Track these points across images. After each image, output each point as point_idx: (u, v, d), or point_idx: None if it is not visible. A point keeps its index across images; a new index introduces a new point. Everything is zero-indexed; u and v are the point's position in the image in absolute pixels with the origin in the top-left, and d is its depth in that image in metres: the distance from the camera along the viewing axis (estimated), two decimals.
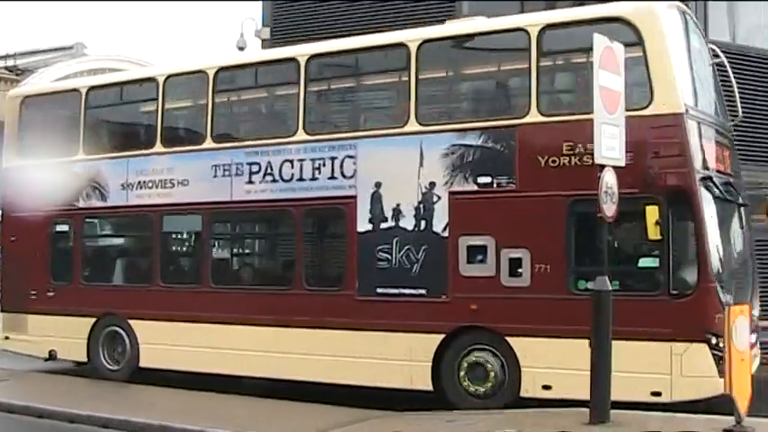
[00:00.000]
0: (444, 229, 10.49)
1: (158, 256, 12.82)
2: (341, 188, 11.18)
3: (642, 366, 9.23)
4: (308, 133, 11.47)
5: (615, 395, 8.68)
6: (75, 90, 13.84)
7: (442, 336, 10.43)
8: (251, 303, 11.79)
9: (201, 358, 12.03)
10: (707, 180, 9.54)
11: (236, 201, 12.02)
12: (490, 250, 10.19)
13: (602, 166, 8.64)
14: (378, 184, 10.91)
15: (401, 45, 10.90)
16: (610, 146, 8.70)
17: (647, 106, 9.50)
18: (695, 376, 9.13)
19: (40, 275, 13.84)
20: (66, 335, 13.45)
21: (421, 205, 10.62)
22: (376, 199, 10.94)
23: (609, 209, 8.69)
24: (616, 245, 9.83)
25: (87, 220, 13.68)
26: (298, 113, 11.57)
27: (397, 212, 10.77)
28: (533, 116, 10.03)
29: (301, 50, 11.77)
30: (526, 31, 10.13)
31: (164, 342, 12.47)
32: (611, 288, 8.64)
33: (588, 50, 9.01)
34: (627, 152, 9.04)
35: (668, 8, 10.02)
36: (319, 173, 11.34)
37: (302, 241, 11.65)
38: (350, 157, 11.13)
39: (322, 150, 11.34)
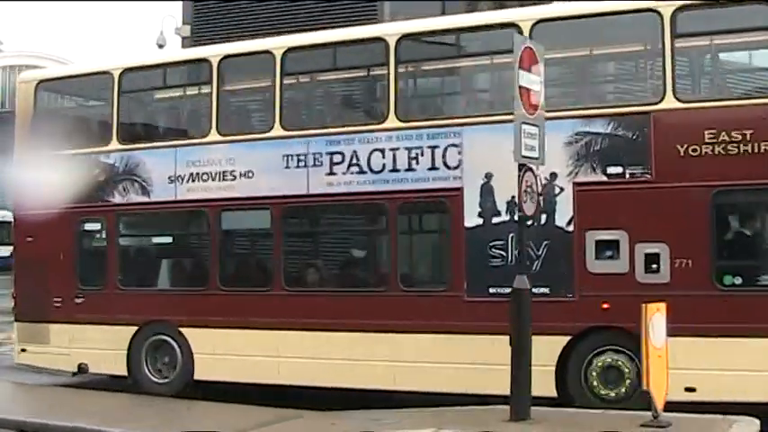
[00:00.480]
0: (569, 223, 9.76)
1: (216, 256, 11.59)
2: (444, 179, 10.31)
3: None
4: (400, 120, 10.54)
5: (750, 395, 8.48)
6: (105, 73, 12.36)
7: (569, 338, 9.71)
8: (335, 307, 10.76)
9: (272, 369, 10.93)
10: None
11: (313, 194, 10.96)
12: (623, 245, 9.53)
13: (523, 166, 8.62)
14: (488, 176, 10.08)
15: (512, 25, 10.09)
16: (530, 145, 8.64)
17: None
18: None
19: (66, 280, 12.37)
20: (101, 346, 12.04)
21: (540, 198, 9.86)
22: (486, 191, 10.11)
23: (529, 207, 8.77)
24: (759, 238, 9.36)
25: (124, 217, 12.27)
26: (388, 99, 10.61)
27: (512, 206, 9.96)
28: (669, 102, 9.43)
29: (391, 29, 10.78)
30: (658, 13, 9.51)
31: (225, 352, 11.27)
32: (530, 287, 8.70)
33: (729, 32, 8.51)
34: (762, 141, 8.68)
35: None
36: (417, 163, 10.43)
37: (397, 237, 10.68)
38: (454, 145, 10.26)
39: (420, 139, 10.43)
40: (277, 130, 11.12)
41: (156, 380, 11.85)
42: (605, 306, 9.53)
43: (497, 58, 10.48)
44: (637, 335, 9.16)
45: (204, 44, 15.68)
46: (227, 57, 11.57)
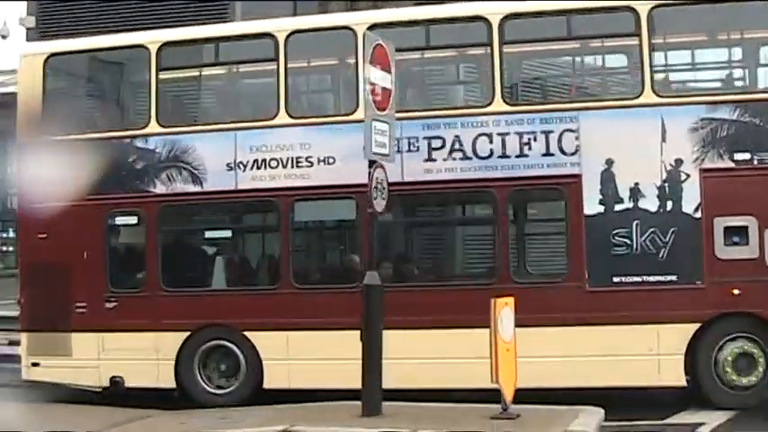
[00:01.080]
0: (696, 209, 9.65)
1: (288, 251, 10.47)
2: (560, 166, 9.89)
3: None
4: (507, 103, 10.02)
5: None
6: (140, 47, 10.84)
7: (698, 325, 9.60)
8: (432, 303, 10.03)
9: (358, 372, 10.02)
10: None
11: (408, 182, 10.17)
12: (752, 231, 9.54)
13: (374, 163, 8.85)
14: (609, 162, 9.79)
15: (629, 9, 9.84)
16: (380, 142, 8.88)
17: None
18: None
19: (92, 282, 10.77)
20: (139, 355, 10.56)
21: (665, 184, 9.69)
22: (607, 178, 9.81)
23: (379, 204, 8.91)
24: None
25: (169, 209, 10.82)
26: (493, 80, 10.04)
27: (635, 192, 9.73)
28: None
29: (495, 8, 10.18)
30: None
31: (301, 356, 10.21)
32: (380, 282, 8.81)
33: None
34: None
35: None
36: (529, 149, 9.95)
37: (507, 227, 10.11)
38: (570, 131, 9.87)
39: (531, 123, 9.95)
40: (359, 113, 10.19)
41: (213, 391, 10.55)
42: (736, 292, 9.51)
43: (615, 41, 10.23)
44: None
45: (51, 38, 15.51)
46: (295, 32, 10.49)
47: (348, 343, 9.75)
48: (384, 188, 8.93)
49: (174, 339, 10.53)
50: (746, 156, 9.63)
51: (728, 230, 9.59)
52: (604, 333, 9.66)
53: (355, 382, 9.72)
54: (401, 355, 9.74)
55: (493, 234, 10.22)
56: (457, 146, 10.07)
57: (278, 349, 10.29)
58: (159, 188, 10.69)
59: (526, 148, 9.95)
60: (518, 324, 9.56)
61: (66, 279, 10.80)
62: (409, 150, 10.14)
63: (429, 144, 10.12)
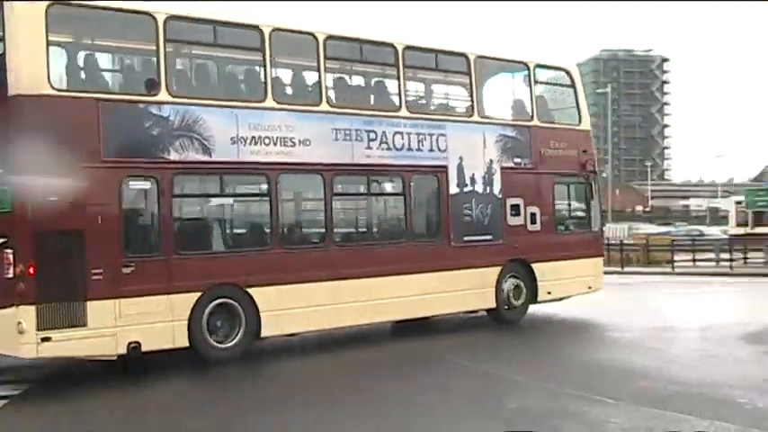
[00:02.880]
0: (499, 192, 14.87)
1: (276, 217, 11.99)
2: (438, 159, 14.01)
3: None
4: (409, 111, 13.67)
5: None
6: (146, 14, 10.84)
7: (500, 267, 14.81)
8: (373, 257, 13.04)
9: (333, 315, 12.46)
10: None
11: (359, 163, 12.96)
12: (522, 207, 15.20)
13: None
14: (461, 158, 14.31)
15: (464, 56, 14.53)
16: None
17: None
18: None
19: (108, 247, 10.44)
20: (156, 319, 10.80)
21: (486, 175, 14.67)
22: (459, 169, 14.32)
23: None
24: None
25: (181, 176, 11.10)
26: (400, 93, 13.56)
27: (472, 180, 14.47)
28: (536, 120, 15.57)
29: (400, 40, 13.62)
30: None
31: (290, 306, 12.02)
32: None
33: None
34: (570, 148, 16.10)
35: None
36: (422, 145, 13.77)
37: (410, 199, 13.60)
38: (442, 135, 14.08)
39: (423, 127, 13.81)
40: (324, 106, 12.63)
41: (219, 345, 11.41)
42: (516, 246, 15.07)
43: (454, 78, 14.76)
44: (529, 263, 15.18)
45: None
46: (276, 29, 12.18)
47: (326, 292, 12.29)
48: None
49: (188, 300, 11.08)
50: (519, 160, 15.29)
51: (512, 206, 15.09)
52: (461, 275, 14.16)
53: (331, 323, 12.41)
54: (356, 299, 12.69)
55: (404, 205, 13.69)
56: (383, 138, 13.30)
57: (272, 302, 11.85)
58: (173, 155, 11.05)
59: (421, 145, 13.79)
60: (414, 271, 13.46)
61: (81, 245, 10.22)
62: (356, 140, 12.95)
63: (368, 136, 13.11)
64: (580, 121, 16.50)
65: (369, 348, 13.10)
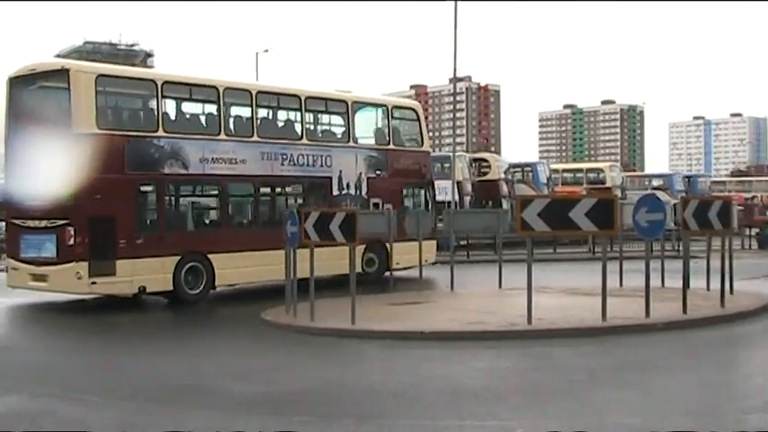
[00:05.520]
0: (366, 194, 21.87)
1: (224, 209, 18.63)
2: (325, 172, 20.88)
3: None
4: (308, 140, 20.52)
5: None
6: (150, 81, 17.33)
7: (366, 245, 21.87)
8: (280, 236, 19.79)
9: (259, 273, 19.18)
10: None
11: (276, 175, 19.72)
12: (381, 204, 22.26)
13: None
14: (340, 171, 21.24)
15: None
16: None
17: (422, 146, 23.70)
18: None
19: (128, 226, 16.84)
20: (155, 272, 17.24)
21: (357, 183, 21.65)
22: (339, 179, 21.24)
23: None
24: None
25: (171, 183, 17.57)
26: (303, 128, 20.40)
27: (349, 186, 21.43)
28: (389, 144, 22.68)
29: (303, 91, 20.44)
30: None
31: (233, 267, 18.65)
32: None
33: None
34: (415, 163, 23.39)
35: None
36: (315, 162, 20.63)
37: (307, 199, 20.43)
38: (329, 156, 20.98)
39: (317, 150, 20.68)
40: (256, 138, 19.33)
41: (191, 292, 17.92)
42: None
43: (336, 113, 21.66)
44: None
45: None
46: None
47: (255, 258, 19.06)
48: None
49: (173, 261, 17.58)
50: (379, 172, 22.35)
51: (374, 204, 22.14)
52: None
53: (259, 279, 19.23)
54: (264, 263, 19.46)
55: (303, 202, 20.48)
56: (289, 159, 20.08)
57: (222, 264, 18.46)
58: (166, 170, 17.51)
59: (315, 162, 20.66)
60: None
61: (114, 225, 16.56)
62: (274, 159, 19.71)
63: (282, 156, 19.88)
64: (422, 144, 23.83)
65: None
